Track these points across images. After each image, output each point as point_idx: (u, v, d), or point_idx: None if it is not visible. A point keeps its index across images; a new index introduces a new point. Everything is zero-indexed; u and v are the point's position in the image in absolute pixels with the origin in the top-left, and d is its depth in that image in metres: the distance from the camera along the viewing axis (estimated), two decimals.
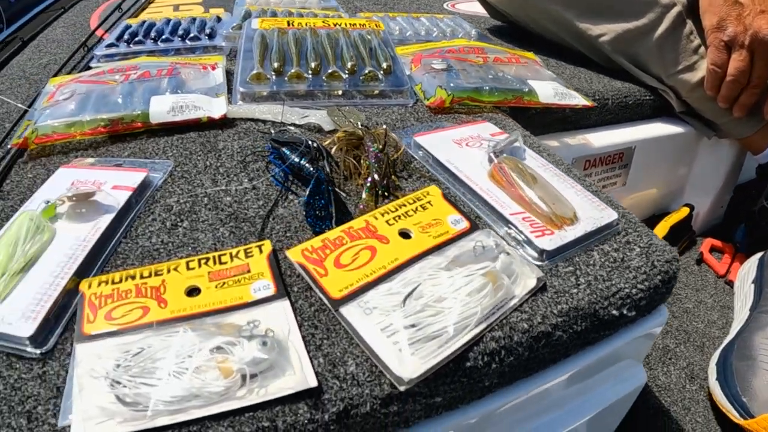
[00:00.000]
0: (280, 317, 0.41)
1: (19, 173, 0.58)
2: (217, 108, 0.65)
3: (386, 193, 0.55)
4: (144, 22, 0.89)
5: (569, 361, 0.47)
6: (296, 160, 0.55)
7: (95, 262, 0.46)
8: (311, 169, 0.54)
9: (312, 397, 0.36)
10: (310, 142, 0.57)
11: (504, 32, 1.09)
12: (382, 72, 0.72)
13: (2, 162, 0.60)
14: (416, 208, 0.51)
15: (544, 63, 0.92)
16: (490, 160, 0.59)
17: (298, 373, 0.37)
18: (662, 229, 0.94)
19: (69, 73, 0.79)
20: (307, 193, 0.51)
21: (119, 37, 0.84)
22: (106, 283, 0.43)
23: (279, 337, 0.39)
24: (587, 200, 0.55)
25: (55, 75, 0.78)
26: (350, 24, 0.83)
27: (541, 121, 0.80)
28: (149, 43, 0.82)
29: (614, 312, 0.45)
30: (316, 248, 0.46)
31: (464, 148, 0.62)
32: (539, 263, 0.48)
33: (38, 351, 0.39)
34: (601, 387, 0.52)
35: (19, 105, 0.71)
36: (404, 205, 0.51)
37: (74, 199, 0.50)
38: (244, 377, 0.37)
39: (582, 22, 0.90)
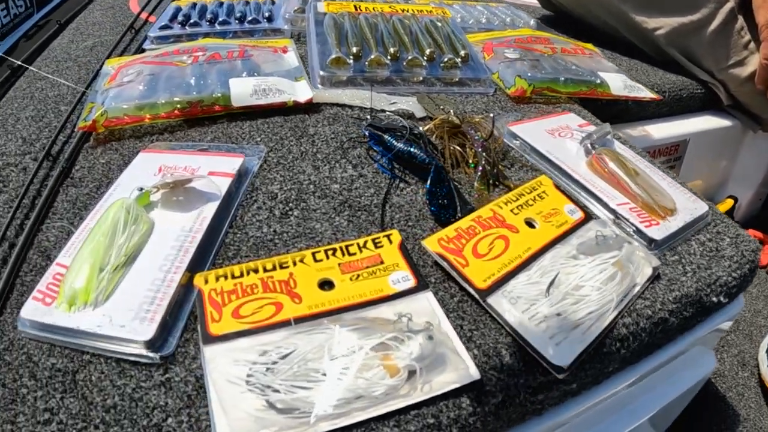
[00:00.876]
0: (426, 309, 0.39)
1: (89, 158, 0.54)
2: (301, 92, 0.61)
3: (496, 182, 0.53)
4: (195, 4, 0.85)
5: (668, 347, 0.48)
6: (406, 147, 0.52)
7: (206, 254, 0.43)
8: (425, 157, 0.51)
9: (474, 389, 0.35)
10: (413, 128, 0.55)
11: (555, 22, 1.08)
12: (460, 60, 0.70)
13: (66, 146, 0.56)
14: (534, 198, 0.50)
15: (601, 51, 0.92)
16: (587, 151, 0.58)
17: (461, 367, 0.36)
18: None
19: (120, 55, 0.75)
20: (429, 181, 0.49)
21: (172, 19, 0.80)
22: (225, 277, 0.40)
23: (435, 331, 0.37)
24: (680, 192, 0.56)
25: (109, 56, 0.74)
26: (417, 10, 0.80)
27: (608, 112, 0.79)
28: (205, 25, 0.78)
29: (714, 299, 0.47)
30: (451, 238, 0.44)
31: (557, 138, 0.61)
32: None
33: (158, 355, 0.35)
34: (679, 373, 0.53)
35: (76, 87, 0.67)
36: (523, 195, 0.50)
37: (172, 186, 0.47)
38: (409, 374, 0.35)
39: (638, 15, 0.90)
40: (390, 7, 0.79)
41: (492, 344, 0.38)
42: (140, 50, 0.76)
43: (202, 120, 0.59)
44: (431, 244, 0.43)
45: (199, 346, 0.36)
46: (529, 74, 0.70)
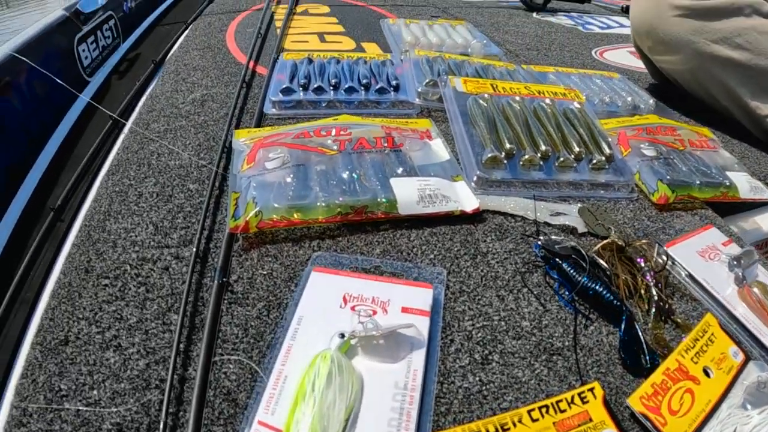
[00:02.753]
0: None
1: (245, 266, 0.52)
2: (466, 199, 0.60)
3: (665, 318, 0.53)
4: (310, 60, 0.82)
5: None
6: (592, 285, 0.52)
7: (423, 413, 0.42)
8: (612, 299, 0.51)
9: None
10: (587, 257, 0.54)
11: (665, 95, 1.06)
12: (605, 159, 0.69)
13: (210, 243, 0.53)
14: (706, 342, 0.51)
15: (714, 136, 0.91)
16: (737, 280, 0.59)
17: None
18: None
19: (238, 117, 0.71)
20: (622, 330, 0.49)
21: (291, 79, 0.77)
22: None
23: None
24: None
25: (237, 126, 0.71)
26: (552, 93, 0.79)
27: (722, 205, 0.80)
28: (330, 91, 0.76)
29: None
30: (650, 395, 0.45)
31: (708, 262, 0.61)
32: None
33: None
34: None
35: (205, 163, 0.64)
36: (697, 340, 0.51)
37: (378, 338, 0.45)
38: None
39: (753, 100, 0.89)
40: (526, 88, 0.78)
41: None
42: (260, 113, 0.74)
43: (364, 225, 0.58)
44: (635, 403, 0.44)
45: None
46: (668, 177, 0.70)
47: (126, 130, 0.72)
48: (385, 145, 0.65)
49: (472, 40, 1.06)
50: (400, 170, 0.62)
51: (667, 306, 0.55)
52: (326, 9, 1.42)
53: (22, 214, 0.69)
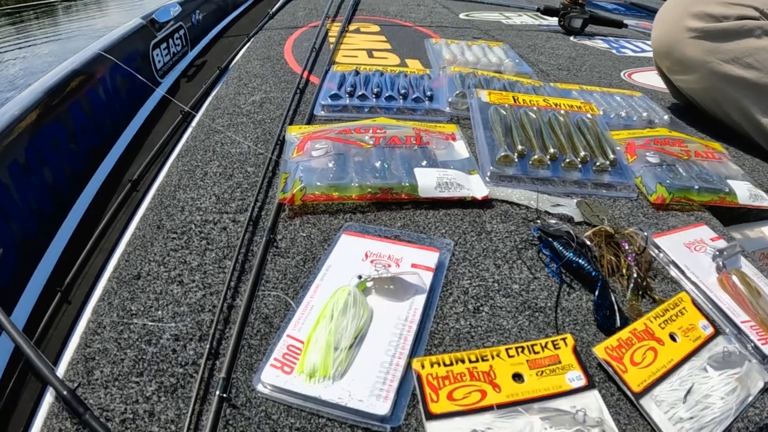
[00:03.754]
0: (594, 405, 0.48)
1: (289, 229, 0.65)
2: (477, 188, 0.71)
3: (644, 294, 0.62)
4: (357, 72, 0.96)
5: None
6: (575, 258, 0.61)
7: (419, 342, 0.53)
8: (591, 270, 0.60)
9: None
10: (576, 238, 0.64)
11: (684, 113, 1.13)
12: (608, 162, 0.78)
13: (262, 211, 0.66)
14: (677, 314, 0.58)
15: (726, 150, 0.98)
16: (719, 269, 0.66)
17: None
18: None
19: (292, 116, 0.85)
20: (596, 295, 0.58)
21: (339, 86, 0.91)
22: (438, 364, 0.50)
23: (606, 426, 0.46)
24: None
25: (290, 123, 0.85)
26: (568, 106, 0.89)
27: (733, 212, 0.86)
28: (372, 98, 0.89)
29: None
30: (614, 347, 0.53)
31: (693, 253, 0.68)
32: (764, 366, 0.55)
33: (389, 427, 0.45)
34: None
35: (262, 151, 0.78)
36: (668, 310, 0.58)
37: (390, 281, 0.57)
38: None
39: (765, 117, 0.95)
40: (545, 101, 0.88)
41: None
42: (311, 114, 0.87)
43: (389, 204, 0.70)
44: (599, 351, 0.53)
45: (420, 421, 0.46)
46: (668, 181, 0.78)
47: (195, 122, 0.87)
48: (414, 142, 0.77)
49: (506, 59, 1.17)
50: (424, 163, 0.73)
51: (645, 283, 0.63)
52: (377, 28, 1.55)
53: (103, 184, 0.85)
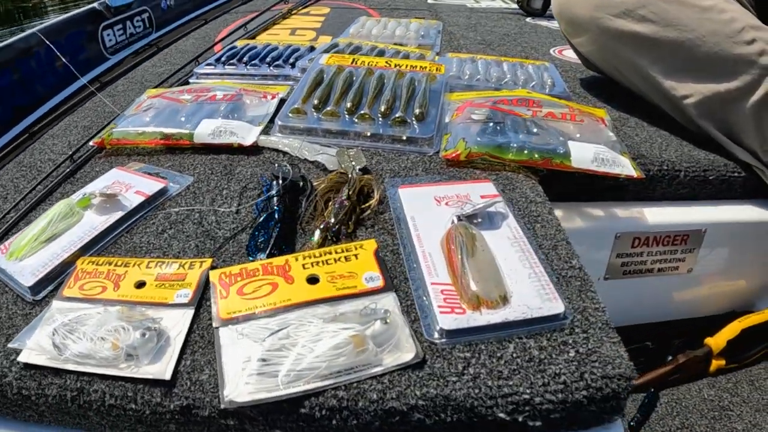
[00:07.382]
0: (179, 320, 0.49)
1: (92, 166, 0.75)
2: (249, 136, 0.75)
3: (335, 239, 0.58)
4: (248, 45, 1.03)
5: None
6: (270, 193, 0.62)
7: (95, 246, 0.60)
8: (275, 205, 0.61)
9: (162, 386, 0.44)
10: (296, 181, 0.64)
11: (595, 85, 1.03)
12: (414, 118, 0.75)
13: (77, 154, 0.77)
14: (340, 258, 0.54)
15: (621, 123, 0.85)
16: (452, 224, 0.57)
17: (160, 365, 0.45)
18: (731, 330, 0.80)
19: (173, 85, 0.96)
20: (255, 224, 0.58)
21: (219, 58, 0.99)
22: (94, 264, 0.56)
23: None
24: (538, 287, 0.50)
25: (157, 86, 0.95)
26: (410, 66, 0.86)
27: (594, 187, 0.75)
28: (241, 66, 0.96)
29: (501, 415, 0.42)
30: (233, 274, 0.53)
31: (441, 207, 0.61)
32: (435, 341, 0.46)
33: (32, 298, 0.53)
34: None
35: (115, 109, 0.89)
36: (330, 253, 0.54)
37: (102, 196, 0.64)
38: None
39: (667, 80, 0.81)
40: (386, 62, 0.87)
41: (203, 363, 0.45)
42: (185, 83, 0.96)
43: (174, 149, 0.76)
44: (213, 275, 0.52)
45: None
46: (478, 139, 0.72)
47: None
48: (227, 99, 0.82)
49: (410, 32, 1.16)
50: (219, 117, 0.79)
51: (337, 227, 0.58)
52: (327, 10, 1.60)
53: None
